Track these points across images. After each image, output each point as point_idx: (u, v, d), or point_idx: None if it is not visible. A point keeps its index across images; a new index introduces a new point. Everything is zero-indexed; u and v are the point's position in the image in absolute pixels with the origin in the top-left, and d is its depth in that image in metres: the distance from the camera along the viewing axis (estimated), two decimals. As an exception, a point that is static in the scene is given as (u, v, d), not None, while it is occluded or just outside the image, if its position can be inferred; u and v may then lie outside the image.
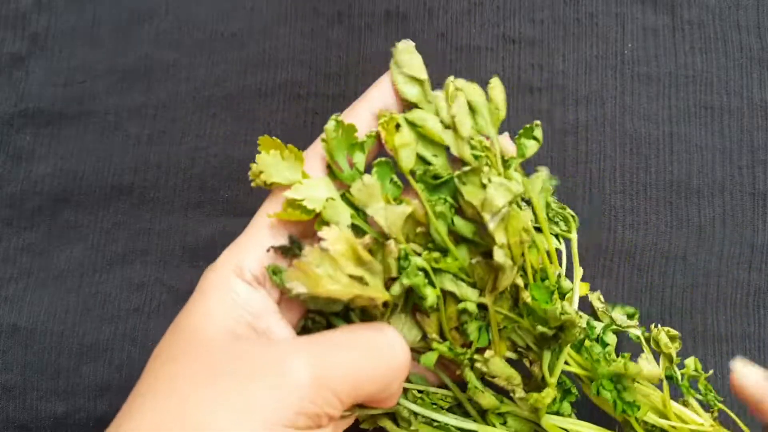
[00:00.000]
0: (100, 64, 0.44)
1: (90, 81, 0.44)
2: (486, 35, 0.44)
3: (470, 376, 0.32)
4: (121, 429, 0.25)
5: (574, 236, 0.35)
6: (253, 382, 0.25)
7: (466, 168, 0.30)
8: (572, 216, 0.36)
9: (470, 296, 0.31)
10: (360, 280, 0.28)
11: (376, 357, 0.28)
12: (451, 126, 0.31)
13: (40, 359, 0.42)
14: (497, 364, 0.31)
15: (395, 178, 0.31)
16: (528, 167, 0.43)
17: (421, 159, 0.31)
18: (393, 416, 0.33)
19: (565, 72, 0.44)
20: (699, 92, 0.43)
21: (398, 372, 0.29)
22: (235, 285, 0.29)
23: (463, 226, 0.30)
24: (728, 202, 0.43)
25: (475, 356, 0.31)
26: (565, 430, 0.32)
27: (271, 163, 0.30)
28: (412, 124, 0.31)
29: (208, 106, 0.44)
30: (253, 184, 0.31)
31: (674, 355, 0.35)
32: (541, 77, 0.44)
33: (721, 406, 0.35)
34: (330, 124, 0.30)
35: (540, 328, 0.30)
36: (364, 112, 0.32)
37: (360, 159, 0.31)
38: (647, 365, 0.33)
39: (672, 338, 0.35)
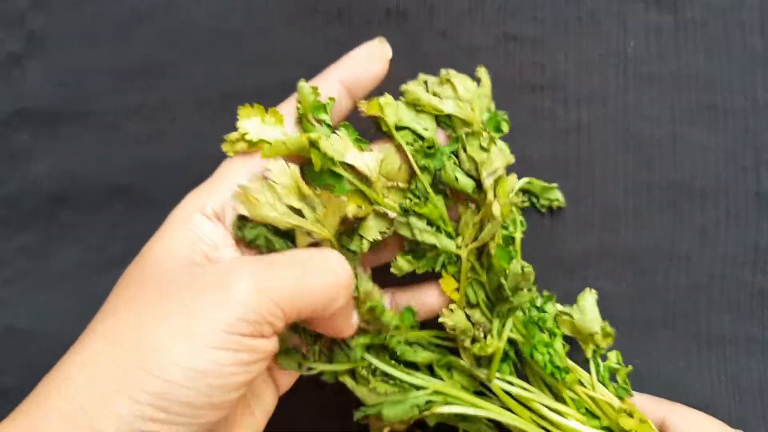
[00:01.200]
0: (98, 64, 0.44)
1: (88, 80, 0.44)
2: (487, 34, 0.44)
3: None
4: (78, 347, 0.28)
5: (518, 236, 0.39)
6: (196, 299, 0.27)
7: (469, 129, 0.34)
8: (521, 222, 0.40)
9: (448, 246, 0.34)
10: (299, 213, 0.32)
11: (315, 272, 0.30)
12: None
13: (38, 361, 0.42)
14: (460, 316, 0.35)
15: (359, 137, 0.34)
16: (528, 167, 0.43)
17: (412, 132, 0.35)
18: (353, 373, 0.35)
19: (567, 71, 0.43)
20: (702, 92, 0.43)
21: (339, 288, 0.30)
22: (195, 218, 0.32)
23: (466, 183, 0.34)
24: (732, 203, 0.42)
25: (443, 310, 0.35)
26: (508, 393, 0.35)
27: (254, 126, 0.33)
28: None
29: (207, 106, 0.44)
30: (230, 153, 0.33)
31: (602, 346, 0.38)
32: (542, 76, 0.43)
33: (628, 402, 0.36)
34: (306, 87, 0.33)
35: (501, 280, 0.34)
36: (333, 79, 0.35)
37: (326, 118, 0.34)
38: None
39: (606, 334, 0.38)
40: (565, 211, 0.43)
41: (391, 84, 0.43)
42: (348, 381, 0.35)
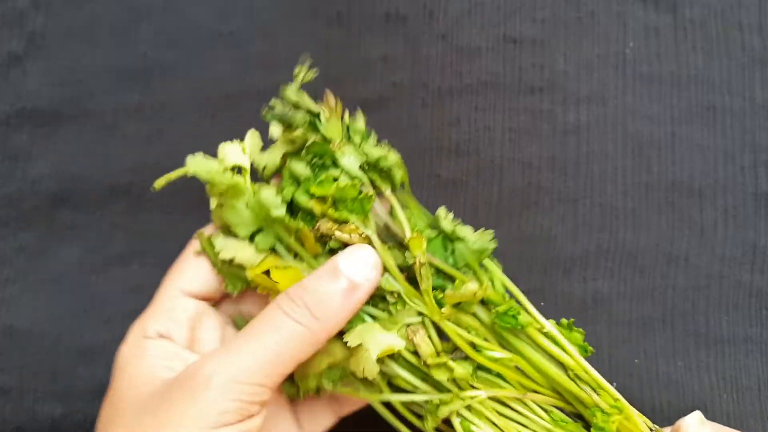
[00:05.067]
0: (97, 64, 0.44)
1: (88, 80, 0.44)
2: (487, 35, 0.44)
3: None
4: None
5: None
6: (171, 409, 0.28)
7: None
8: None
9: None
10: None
11: (284, 329, 0.30)
12: None
13: (37, 361, 0.42)
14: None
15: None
16: (527, 168, 0.43)
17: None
18: None
19: (567, 72, 0.43)
20: (701, 92, 0.43)
21: (317, 333, 0.30)
22: (144, 343, 0.32)
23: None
24: (730, 203, 0.43)
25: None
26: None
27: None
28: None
29: (207, 107, 0.44)
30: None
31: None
32: (542, 77, 0.43)
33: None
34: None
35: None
36: None
37: None
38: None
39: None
40: (564, 212, 0.43)
41: (392, 86, 0.44)
42: None
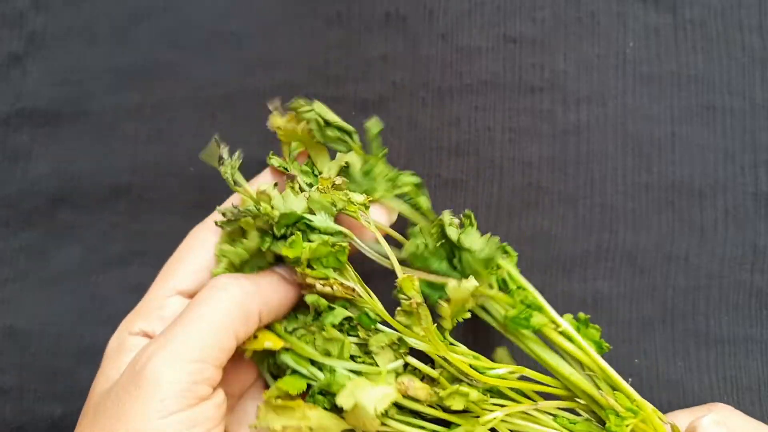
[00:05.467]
0: (97, 64, 0.44)
1: (88, 80, 0.44)
2: (486, 35, 0.44)
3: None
4: None
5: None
6: (118, 404, 0.28)
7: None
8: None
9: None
10: None
11: (216, 308, 0.30)
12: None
13: (37, 361, 0.42)
14: None
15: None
16: (527, 168, 0.43)
17: None
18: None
19: (566, 72, 0.43)
20: (701, 92, 0.43)
21: (244, 305, 0.30)
22: (129, 340, 0.32)
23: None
24: (730, 203, 0.43)
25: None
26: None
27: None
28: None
29: (207, 107, 0.44)
30: None
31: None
32: (542, 77, 0.43)
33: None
34: None
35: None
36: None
37: None
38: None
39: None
40: (564, 212, 0.43)
41: (392, 86, 0.44)
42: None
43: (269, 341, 0.32)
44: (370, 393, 0.31)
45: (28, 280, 0.43)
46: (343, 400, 0.31)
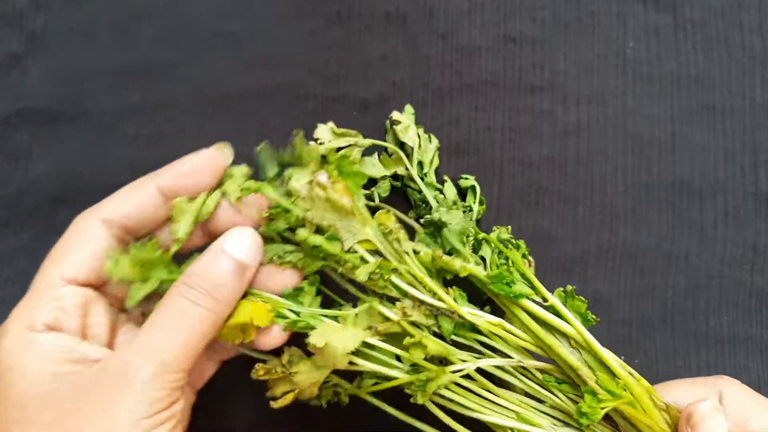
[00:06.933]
0: (97, 64, 0.44)
1: (88, 80, 0.44)
2: (486, 35, 0.44)
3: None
4: None
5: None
6: (98, 404, 0.29)
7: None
8: None
9: None
10: None
11: (195, 323, 0.31)
12: None
13: (37, 361, 0.42)
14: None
15: None
16: (527, 168, 0.43)
17: None
18: None
19: (567, 72, 0.43)
20: (701, 92, 0.43)
21: (219, 320, 0.32)
22: (33, 337, 0.30)
23: None
24: (730, 203, 0.43)
25: None
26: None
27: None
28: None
29: (207, 107, 0.44)
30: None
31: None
32: (542, 77, 0.43)
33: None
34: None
35: None
36: (150, 186, 0.35)
37: None
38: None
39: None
40: (564, 212, 0.43)
41: (392, 86, 0.44)
42: None
43: (257, 318, 0.33)
44: (344, 334, 0.33)
45: (28, 280, 0.43)
46: (314, 339, 0.33)
